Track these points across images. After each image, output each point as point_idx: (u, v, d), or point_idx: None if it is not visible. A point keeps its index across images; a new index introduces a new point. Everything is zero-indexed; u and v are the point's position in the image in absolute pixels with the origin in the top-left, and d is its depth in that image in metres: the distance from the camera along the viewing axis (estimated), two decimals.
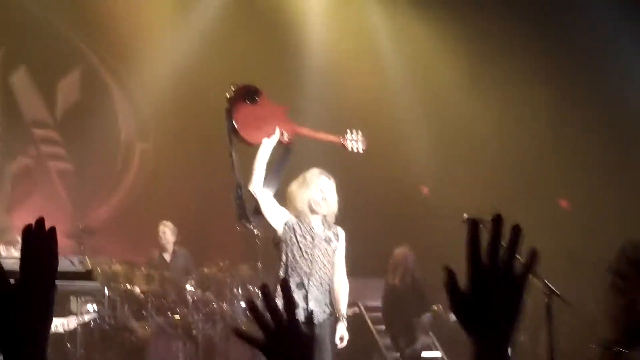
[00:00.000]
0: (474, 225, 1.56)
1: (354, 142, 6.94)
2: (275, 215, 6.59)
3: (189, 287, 10.89)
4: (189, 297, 10.78)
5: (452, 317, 10.25)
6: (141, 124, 14.84)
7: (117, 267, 10.86)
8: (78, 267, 6.53)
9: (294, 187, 6.75)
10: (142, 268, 10.99)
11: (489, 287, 1.48)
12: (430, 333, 10.91)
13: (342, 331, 6.65)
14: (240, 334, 1.72)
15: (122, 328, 10.60)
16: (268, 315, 1.71)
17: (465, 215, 7.80)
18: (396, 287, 10.03)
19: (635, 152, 13.70)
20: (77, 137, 14.06)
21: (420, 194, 15.24)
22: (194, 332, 10.63)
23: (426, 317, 10.35)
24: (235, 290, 11.04)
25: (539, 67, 13.84)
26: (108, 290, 10.49)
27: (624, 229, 13.08)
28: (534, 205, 14.10)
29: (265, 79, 12.11)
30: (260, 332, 1.72)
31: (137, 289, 10.78)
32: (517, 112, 14.13)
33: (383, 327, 13.88)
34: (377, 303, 14.36)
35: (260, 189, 6.46)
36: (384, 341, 13.69)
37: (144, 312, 10.70)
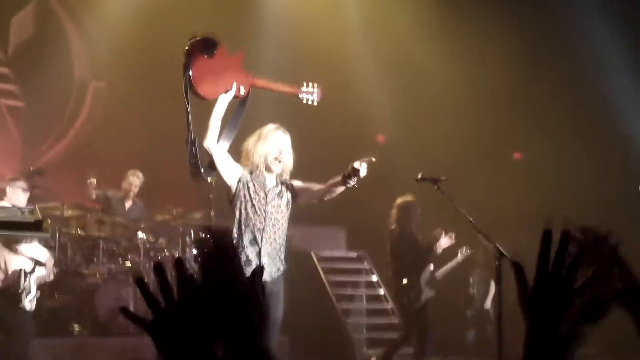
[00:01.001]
0: (546, 238, 1.76)
1: (309, 94, 6.86)
2: (229, 172, 6.54)
3: (140, 235, 10.82)
4: (141, 244, 10.71)
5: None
6: (96, 62, 14.61)
7: (69, 212, 10.74)
8: (28, 217, 6.44)
9: (250, 142, 6.68)
10: (94, 214, 10.86)
11: (549, 291, 1.75)
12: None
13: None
14: (126, 313, 1.68)
15: (73, 273, 10.52)
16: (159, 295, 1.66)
17: (420, 175, 7.83)
18: (407, 235, 9.95)
19: (592, 111, 13.81)
20: (29, 74, 13.84)
21: (376, 144, 15.29)
22: (145, 279, 10.57)
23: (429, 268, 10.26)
24: (187, 238, 11.00)
25: (504, 22, 13.83)
26: (59, 235, 10.40)
27: (575, 186, 13.31)
28: (489, 158, 14.23)
29: (224, 21, 12.06)
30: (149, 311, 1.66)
31: (88, 234, 10.69)
32: (478, 66, 14.14)
33: (335, 278, 14.00)
34: (330, 253, 14.48)
35: (214, 145, 6.42)
36: (335, 291, 13.81)
37: (94, 258, 10.62)
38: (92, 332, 10.10)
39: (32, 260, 8.72)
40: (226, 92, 6.47)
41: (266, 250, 6.49)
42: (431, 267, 10.18)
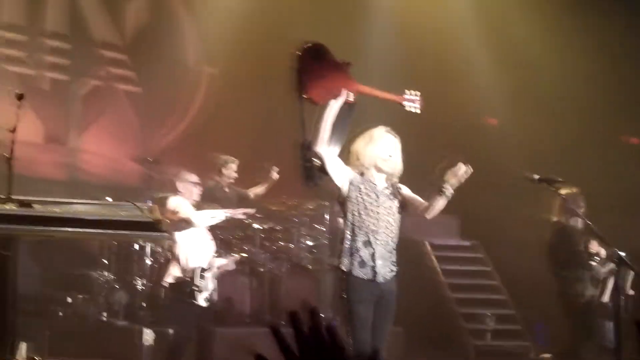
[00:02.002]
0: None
1: (412, 102, 6.87)
2: (341, 175, 6.54)
3: (255, 225, 10.87)
4: (256, 235, 10.77)
5: None
6: (209, 48, 14.73)
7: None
8: (146, 217, 6.49)
9: (360, 144, 6.69)
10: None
11: None
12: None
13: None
14: (277, 334, 1.71)
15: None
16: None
17: (536, 176, 7.66)
18: (569, 228, 9.69)
19: None
20: (145, 60, 14.03)
21: (488, 126, 15.13)
22: (261, 269, 10.65)
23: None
24: (302, 228, 11.01)
25: (616, 20, 13.50)
26: None
27: None
28: (599, 145, 13.95)
29: (331, 20, 12.09)
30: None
31: None
32: (593, 59, 13.81)
33: (449, 266, 13.89)
34: (443, 242, 14.36)
35: (326, 149, 6.44)
36: (449, 280, 13.71)
37: None
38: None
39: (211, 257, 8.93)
40: (335, 97, 6.48)
41: (379, 253, 6.47)
42: (594, 263, 9.80)
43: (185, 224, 8.98)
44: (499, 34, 14.47)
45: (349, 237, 6.50)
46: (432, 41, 14.38)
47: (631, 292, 10.02)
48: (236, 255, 10.09)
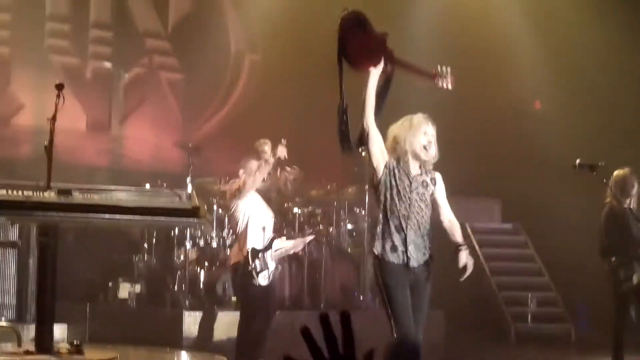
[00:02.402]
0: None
1: (444, 78, 6.72)
2: (380, 155, 6.51)
3: (295, 209, 10.96)
4: (296, 219, 10.86)
5: None
6: (251, 35, 14.82)
7: (224, 188, 10.96)
8: (185, 204, 6.57)
9: (400, 129, 6.61)
10: None
11: None
12: None
13: (464, 259, 6.47)
14: (307, 337, 1.78)
15: (230, 246, 10.74)
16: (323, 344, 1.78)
17: (578, 161, 7.64)
18: (620, 210, 9.49)
19: None
20: (188, 47, 14.17)
21: (533, 109, 15.09)
22: (300, 253, 10.73)
23: None
24: (342, 212, 11.08)
25: None
26: (216, 209, 10.64)
27: None
28: None
29: (374, 5, 12.08)
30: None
31: None
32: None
33: (490, 250, 13.90)
34: (484, 225, 14.37)
35: (373, 122, 6.42)
36: (490, 264, 13.72)
37: None
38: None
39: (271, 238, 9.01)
40: (375, 65, 6.48)
41: (411, 238, 6.44)
42: None
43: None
44: (547, 17, 14.39)
45: (382, 221, 6.50)
46: (477, 20, 14.33)
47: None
48: (308, 237, 10.06)
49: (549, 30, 14.39)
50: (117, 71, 13.87)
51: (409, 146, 6.53)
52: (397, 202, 6.48)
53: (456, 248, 6.49)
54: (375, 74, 6.45)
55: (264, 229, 8.88)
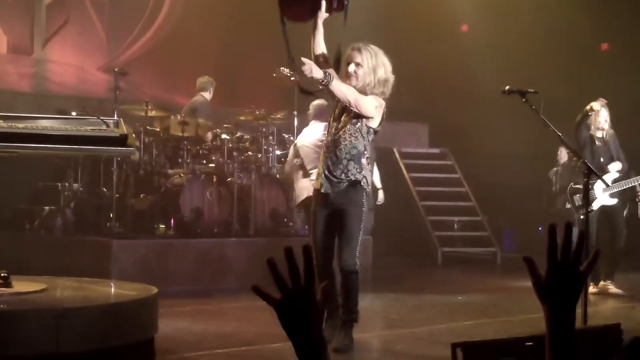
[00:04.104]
0: (552, 232, 1.96)
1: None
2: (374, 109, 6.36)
3: (224, 135, 10.85)
4: (225, 145, 10.75)
5: None
6: None
7: (153, 113, 10.79)
8: (113, 132, 6.42)
9: (388, 66, 6.42)
10: (178, 115, 10.89)
11: (560, 278, 1.99)
12: None
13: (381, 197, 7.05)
14: (257, 291, 1.86)
15: (157, 173, 10.62)
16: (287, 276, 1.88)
17: (507, 87, 7.66)
18: (581, 138, 9.70)
19: None
20: None
21: (459, 34, 15.09)
22: (229, 179, 10.66)
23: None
24: (270, 138, 10.99)
25: None
26: (144, 135, 10.47)
27: None
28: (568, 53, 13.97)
29: None
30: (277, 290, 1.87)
31: (172, 135, 10.75)
32: None
33: (418, 174, 13.98)
34: (412, 149, 14.42)
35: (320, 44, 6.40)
36: (418, 188, 13.81)
37: (179, 159, 10.70)
38: (175, 232, 10.23)
39: None
40: (318, 12, 6.34)
41: (326, 165, 6.39)
42: (613, 173, 9.70)
43: None
44: None
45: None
46: None
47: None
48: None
49: None
50: None
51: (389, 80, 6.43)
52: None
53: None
54: (319, 25, 6.35)
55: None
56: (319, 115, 9.11)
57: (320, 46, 6.42)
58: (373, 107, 6.27)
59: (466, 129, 13.96)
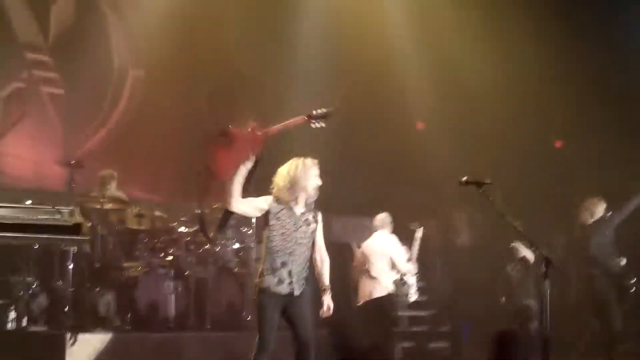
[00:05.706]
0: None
1: (318, 119, 7.85)
2: (255, 210, 7.12)
3: (181, 229, 10.79)
4: (181, 239, 10.69)
5: None
6: (135, 51, 14.57)
7: (109, 205, 10.70)
8: (67, 220, 6.45)
9: (293, 172, 7.09)
10: (134, 207, 10.83)
11: None
12: None
13: (328, 302, 7.21)
14: None
15: (113, 267, 10.51)
16: None
17: (464, 178, 7.73)
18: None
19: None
20: (69, 62, 13.83)
21: (415, 131, 15.25)
22: (187, 272, 10.57)
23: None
24: (228, 232, 10.94)
25: (545, 19, 13.75)
26: (100, 228, 10.37)
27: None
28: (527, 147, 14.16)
29: (259, 27, 12.10)
30: None
31: (128, 228, 10.67)
32: (515, 65, 14.05)
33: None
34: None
35: (238, 204, 7.00)
36: None
37: (136, 252, 10.60)
38: (131, 326, 10.09)
39: None
40: (244, 164, 6.98)
41: (295, 271, 7.05)
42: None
43: None
44: (430, 38, 14.57)
45: (268, 258, 7.06)
46: (363, 45, 14.42)
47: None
48: None
49: (433, 50, 14.57)
50: None
51: (298, 191, 7.06)
52: (282, 242, 7.04)
53: (322, 290, 7.20)
54: (242, 170, 6.99)
55: None
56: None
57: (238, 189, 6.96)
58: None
59: (423, 222, 13.96)
